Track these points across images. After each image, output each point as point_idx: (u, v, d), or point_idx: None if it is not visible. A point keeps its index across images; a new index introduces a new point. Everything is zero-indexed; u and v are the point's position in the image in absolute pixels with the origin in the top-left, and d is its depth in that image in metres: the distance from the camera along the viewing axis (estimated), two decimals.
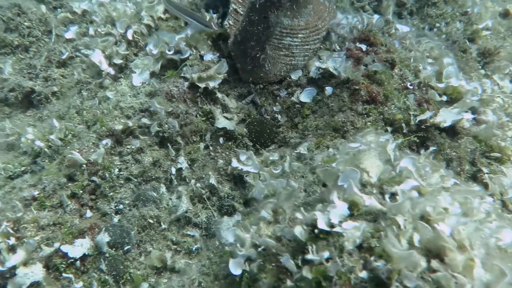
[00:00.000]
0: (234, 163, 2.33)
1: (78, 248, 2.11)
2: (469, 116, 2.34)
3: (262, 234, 1.64)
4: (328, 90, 2.40)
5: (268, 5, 2.27)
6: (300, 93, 2.51)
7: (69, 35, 3.15)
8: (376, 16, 2.62)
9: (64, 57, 3.05)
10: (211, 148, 2.47)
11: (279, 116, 2.54)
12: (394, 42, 2.46)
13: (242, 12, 2.56)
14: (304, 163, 2.14)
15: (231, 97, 2.61)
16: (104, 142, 2.39)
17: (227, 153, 2.47)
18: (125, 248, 2.16)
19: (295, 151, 2.30)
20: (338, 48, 2.52)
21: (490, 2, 3.52)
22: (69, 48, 3.06)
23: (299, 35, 2.62)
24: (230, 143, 2.49)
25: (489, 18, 3.25)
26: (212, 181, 2.33)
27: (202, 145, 2.47)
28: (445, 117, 2.25)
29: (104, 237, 2.14)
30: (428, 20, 3.33)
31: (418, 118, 2.26)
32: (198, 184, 2.35)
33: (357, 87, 2.31)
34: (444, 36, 3.12)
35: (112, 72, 2.66)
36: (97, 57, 2.65)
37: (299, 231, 1.49)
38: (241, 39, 2.45)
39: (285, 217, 1.63)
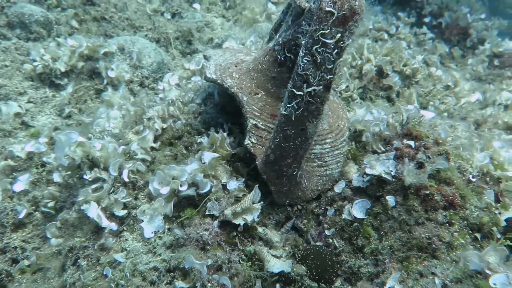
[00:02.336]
0: None
1: None
2: None
3: None
4: (390, 200, 2.04)
5: (306, 115, 1.92)
6: (351, 207, 2.12)
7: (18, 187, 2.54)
8: (411, 107, 2.38)
9: (21, 216, 2.40)
10: None
11: (335, 241, 2.11)
12: (440, 132, 2.21)
13: (263, 127, 2.18)
14: None
15: (270, 227, 2.14)
16: None
17: None
18: None
19: (386, 287, 1.84)
20: (382, 148, 2.21)
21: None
22: (26, 204, 2.43)
23: (327, 140, 2.29)
24: None
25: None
26: None
27: None
28: None
29: None
30: (420, 100, 3.24)
31: (505, 217, 1.96)
32: None
33: (427, 192, 1.97)
34: (446, 114, 3.00)
35: (115, 227, 2.06)
36: (94, 211, 2.05)
37: None
38: (275, 158, 2.05)
39: None
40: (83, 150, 2.27)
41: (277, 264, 1.96)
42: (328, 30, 1.72)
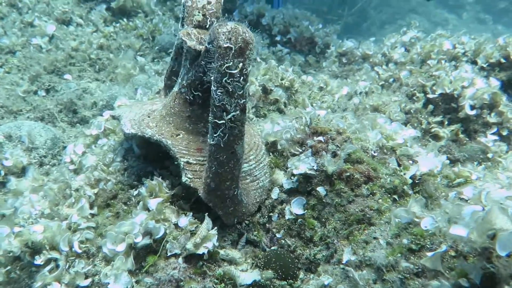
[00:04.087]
0: None
1: None
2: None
3: None
4: (321, 190, 2.35)
5: (232, 139, 2.16)
6: (290, 207, 2.39)
7: None
8: (309, 109, 2.74)
9: None
10: None
11: (287, 240, 2.35)
12: (338, 123, 2.60)
13: (195, 162, 2.37)
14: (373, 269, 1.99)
15: (228, 248, 2.32)
16: None
17: None
18: None
19: (343, 262, 2.12)
20: (299, 150, 2.52)
21: None
22: None
23: (251, 157, 2.55)
24: None
25: None
26: None
27: None
28: (426, 163, 2.42)
29: None
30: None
31: (409, 175, 2.39)
32: None
33: (348, 174, 2.33)
34: (330, 110, 3.45)
35: None
36: None
37: None
38: (215, 185, 2.25)
39: None
40: (21, 240, 2.24)
41: (247, 276, 2.15)
42: (231, 63, 1.99)
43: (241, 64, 2.00)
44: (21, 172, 3.42)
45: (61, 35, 5.40)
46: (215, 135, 2.13)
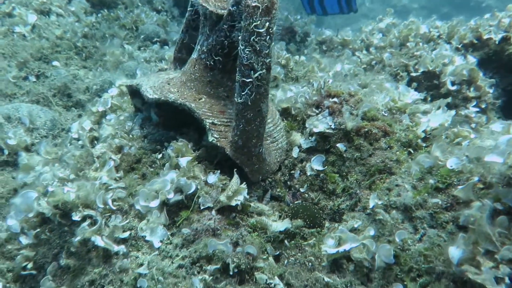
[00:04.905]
0: (330, 250, 2.14)
1: None
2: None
3: None
4: (341, 146, 2.49)
5: (258, 97, 2.27)
6: (311, 164, 2.52)
7: None
8: (321, 74, 2.88)
9: None
10: (285, 255, 2.22)
11: (310, 194, 2.48)
12: (349, 87, 2.76)
13: (219, 123, 2.46)
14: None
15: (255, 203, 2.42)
16: None
17: (299, 250, 2.25)
18: None
19: (369, 208, 2.26)
20: (316, 111, 2.66)
21: None
22: None
23: (268, 121, 2.67)
24: (293, 241, 2.28)
25: None
26: (324, 277, 2.08)
27: (271, 259, 2.19)
28: (436, 120, 2.61)
29: None
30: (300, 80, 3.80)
31: (420, 130, 2.56)
32: None
33: (366, 129, 2.48)
34: None
35: (125, 249, 2.13)
36: (101, 241, 2.09)
37: None
38: (242, 142, 2.35)
39: None
40: (53, 200, 2.27)
41: (279, 224, 2.26)
42: (259, 21, 2.11)
43: (267, 23, 2.13)
44: (25, 152, 3.39)
45: (43, 25, 5.34)
46: (242, 93, 2.24)
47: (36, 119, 3.65)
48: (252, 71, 2.19)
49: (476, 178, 1.84)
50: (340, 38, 5.99)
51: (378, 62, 5.05)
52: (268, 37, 2.16)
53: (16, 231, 2.37)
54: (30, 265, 2.32)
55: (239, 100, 2.26)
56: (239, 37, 2.19)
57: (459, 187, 1.88)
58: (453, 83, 4.37)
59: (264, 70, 2.22)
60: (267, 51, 2.20)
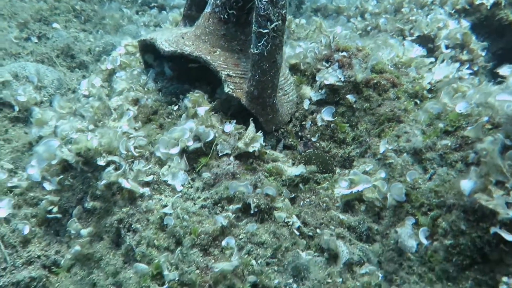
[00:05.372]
0: (344, 191, 2.28)
1: None
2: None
3: None
4: (350, 97, 2.61)
5: (274, 48, 2.36)
6: (322, 115, 2.64)
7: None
8: (330, 29, 2.97)
9: (26, 232, 2.38)
10: (300, 197, 2.35)
11: (322, 143, 2.60)
12: (356, 42, 2.86)
13: (234, 75, 2.55)
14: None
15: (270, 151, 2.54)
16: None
17: (313, 193, 2.38)
18: None
19: (380, 152, 2.38)
20: (326, 64, 2.76)
21: None
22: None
23: (280, 73, 2.76)
24: (307, 185, 2.41)
25: None
26: (339, 215, 2.22)
27: (287, 201, 2.31)
28: (440, 72, 2.73)
29: None
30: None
31: (426, 82, 2.69)
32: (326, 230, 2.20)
33: (375, 81, 2.59)
34: None
35: (149, 191, 2.24)
36: (127, 183, 2.19)
37: None
38: (258, 92, 2.45)
39: None
40: (77, 148, 2.35)
41: (294, 169, 2.39)
42: None
43: None
44: None
45: None
46: (259, 44, 2.32)
47: (44, 78, 3.69)
48: (268, 22, 2.27)
49: (485, 118, 1.97)
50: (335, 5, 6.04)
51: (373, 28, 5.14)
52: None
53: (37, 180, 2.46)
54: (55, 209, 2.41)
55: (255, 51, 2.34)
56: None
57: (469, 127, 2.01)
58: (447, 47, 4.48)
59: (280, 21, 2.30)
60: (283, 2, 2.28)
